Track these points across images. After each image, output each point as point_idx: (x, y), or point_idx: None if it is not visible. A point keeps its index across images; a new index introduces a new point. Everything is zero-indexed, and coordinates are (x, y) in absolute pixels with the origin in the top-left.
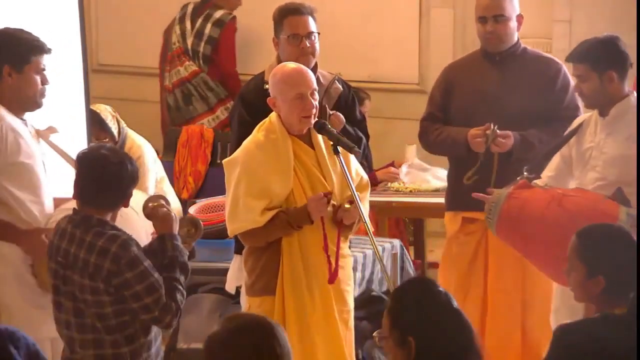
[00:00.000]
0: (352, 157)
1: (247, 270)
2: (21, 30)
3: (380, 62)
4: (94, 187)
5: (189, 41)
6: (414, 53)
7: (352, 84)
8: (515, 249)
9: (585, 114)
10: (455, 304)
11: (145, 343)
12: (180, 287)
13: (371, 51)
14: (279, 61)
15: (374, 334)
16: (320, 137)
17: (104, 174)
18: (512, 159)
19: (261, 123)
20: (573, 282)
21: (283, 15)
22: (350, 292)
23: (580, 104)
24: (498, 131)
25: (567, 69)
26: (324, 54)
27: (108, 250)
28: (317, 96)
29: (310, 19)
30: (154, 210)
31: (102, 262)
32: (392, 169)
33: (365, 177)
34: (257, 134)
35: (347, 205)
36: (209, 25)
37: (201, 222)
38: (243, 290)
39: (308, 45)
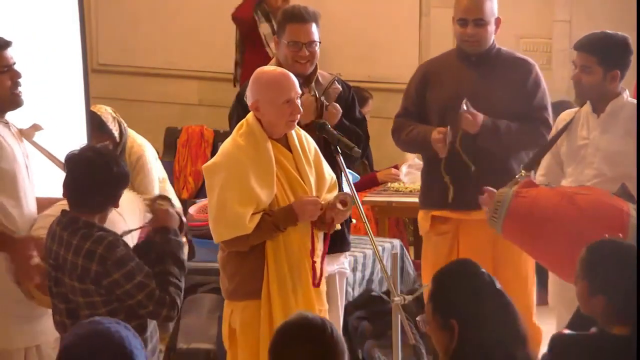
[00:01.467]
0: (323, 159)
1: (227, 275)
2: None
3: (380, 62)
4: (80, 190)
5: None
6: (414, 53)
7: (352, 84)
8: (523, 248)
9: (570, 110)
10: (499, 285)
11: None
12: (173, 279)
13: (371, 51)
14: (278, 61)
15: (417, 318)
16: (296, 139)
17: (88, 176)
18: (478, 142)
19: (238, 127)
20: (579, 294)
21: (286, 20)
22: (325, 292)
23: (549, 105)
24: (465, 107)
25: (539, 70)
26: (324, 54)
27: (94, 253)
28: (299, 100)
29: (313, 26)
30: (158, 205)
31: (89, 265)
32: (394, 170)
33: (334, 178)
34: (237, 138)
35: (339, 206)
36: None
37: (183, 218)
38: None
39: (307, 53)
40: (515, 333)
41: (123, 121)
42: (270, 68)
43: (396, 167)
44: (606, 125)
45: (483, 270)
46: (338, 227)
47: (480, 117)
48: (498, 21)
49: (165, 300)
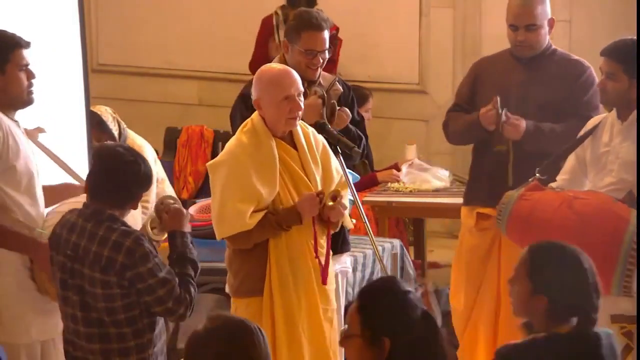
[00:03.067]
0: (332, 155)
1: (232, 272)
2: None
3: (380, 62)
4: (106, 183)
5: None
6: (414, 53)
7: (352, 84)
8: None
9: (600, 115)
10: (424, 306)
11: (151, 339)
12: (191, 280)
13: (371, 51)
14: (282, 62)
15: (340, 330)
16: (302, 136)
17: (117, 170)
18: (524, 147)
19: (243, 125)
20: (515, 295)
21: (302, 27)
22: (333, 291)
23: (599, 106)
24: (504, 117)
25: (595, 73)
26: None
27: (122, 244)
28: (302, 97)
29: (326, 33)
30: (166, 206)
31: (115, 256)
32: (394, 171)
33: (342, 175)
34: (241, 136)
35: (330, 203)
36: None
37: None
38: None
39: (321, 61)
40: (440, 353)
41: (122, 122)
42: (271, 65)
43: (396, 167)
44: (627, 133)
45: (409, 287)
46: (350, 225)
47: (523, 124)
48: (551, 22)
49: (186, 298)
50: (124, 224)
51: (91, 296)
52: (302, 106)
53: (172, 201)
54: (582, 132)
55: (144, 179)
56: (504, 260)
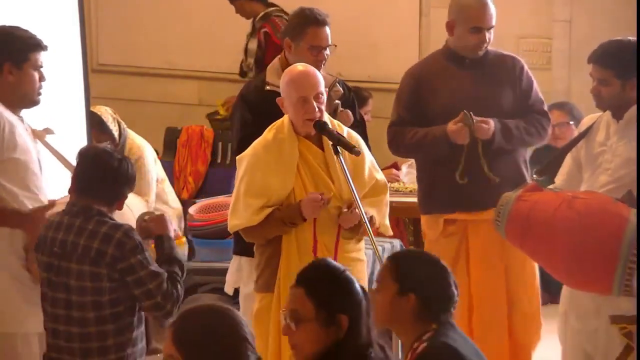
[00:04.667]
0: (366, 160)
1: (254, 266)
2: (18, 28)
3: (380, 62)
4: (95, 180)
5: None
6: (414, 53)
7: (352, 84)
8: (524, 251)
9: (593, 115)
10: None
11: (131, 338)
12: (179, 279)
13: (371, 51)
14: (282, 62)
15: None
16: None
17: (106, 167)
18: (493, 146)
19: (275, 122)
20: (380, 303)
21: (306, 24)
22: None
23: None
24: (476, 117)
25: (524, 64)
26: None
27: (112, 237)
28: (323, 98)
29: (329, 29)
30: (149, 214)
31: (105, 248)
32: (394, 170)
33: (382, 178)
34: (267, 133)
35: (345, 210)
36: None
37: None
38: (241, 292)
39: (326, 56)
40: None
41: (122, 122)
42: (295, 65)
43: (396, 166)
44: (624, 132)
45: (340, 265)
46: (388, 232)
47: (492, 122)
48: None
49: (173, 294)
50: (112, 219)
51: (78, 291)
52: (318, 108)
53: (147, 215)
54: (576, 133)
55: (131, 179)
56: (472, 263)
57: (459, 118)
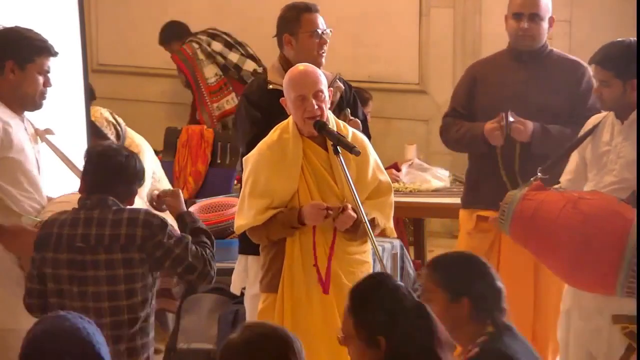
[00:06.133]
0: (370, 160)
1: (260, 265)
2: (30, 30)
3: (380, 62)
4: (106, 176)
5: None
6: (414, 53)
7: (352, 84)
8: (528, 250)
9: (599, 114)
10: (416, 297)
11: (149, 324)
12: (208, 245)
13: (371, 51)
14: (283, 60)
15: (338, 335)
16: None
17: (115, 163)
18: (532, 149)
19: (280, 123)
20: (436, 312)
21: (300, 12)
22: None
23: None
24: (512, 118)
25: (590, 72)
26: None
27: (137, 219)
28: (324, 96)
29: (320, 17)
30: (162, 192)
31: (133, 231)
32: (394, 171)
33: (386, 179)
34: (272, 133)
35: (338, 212)
36: None
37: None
38: (246, 293)
39: (327, 41)
40: (438, 342)
41: (122, 122)
42: (297, 65)
43: (396, 167)
44: (629, 133)
45: (401, 283)
46: (391, 234)
47: (530, 125)
48: (552, 20)
49: (203, 255)
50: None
51: (109, 282)
52: (318, 106)
53: (157, 191)
54: (582, 132)
55: (141, 174)
56: (503, 263)
57: (497, 118)
